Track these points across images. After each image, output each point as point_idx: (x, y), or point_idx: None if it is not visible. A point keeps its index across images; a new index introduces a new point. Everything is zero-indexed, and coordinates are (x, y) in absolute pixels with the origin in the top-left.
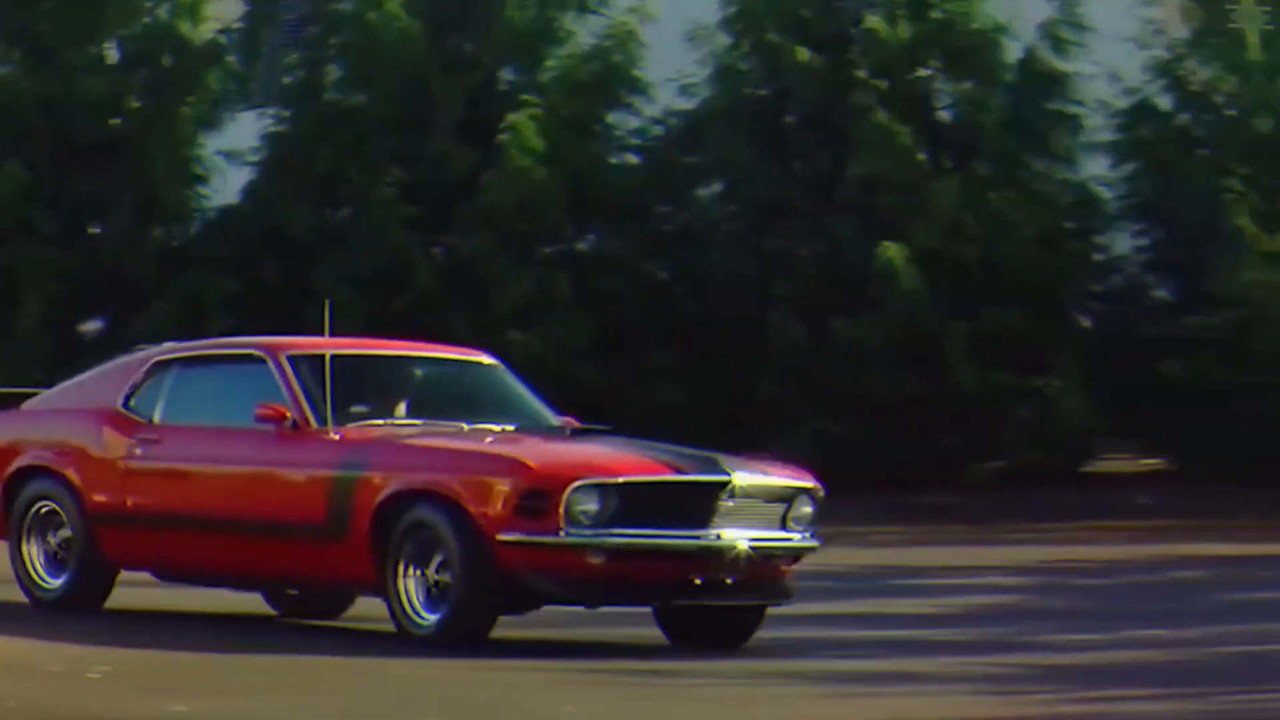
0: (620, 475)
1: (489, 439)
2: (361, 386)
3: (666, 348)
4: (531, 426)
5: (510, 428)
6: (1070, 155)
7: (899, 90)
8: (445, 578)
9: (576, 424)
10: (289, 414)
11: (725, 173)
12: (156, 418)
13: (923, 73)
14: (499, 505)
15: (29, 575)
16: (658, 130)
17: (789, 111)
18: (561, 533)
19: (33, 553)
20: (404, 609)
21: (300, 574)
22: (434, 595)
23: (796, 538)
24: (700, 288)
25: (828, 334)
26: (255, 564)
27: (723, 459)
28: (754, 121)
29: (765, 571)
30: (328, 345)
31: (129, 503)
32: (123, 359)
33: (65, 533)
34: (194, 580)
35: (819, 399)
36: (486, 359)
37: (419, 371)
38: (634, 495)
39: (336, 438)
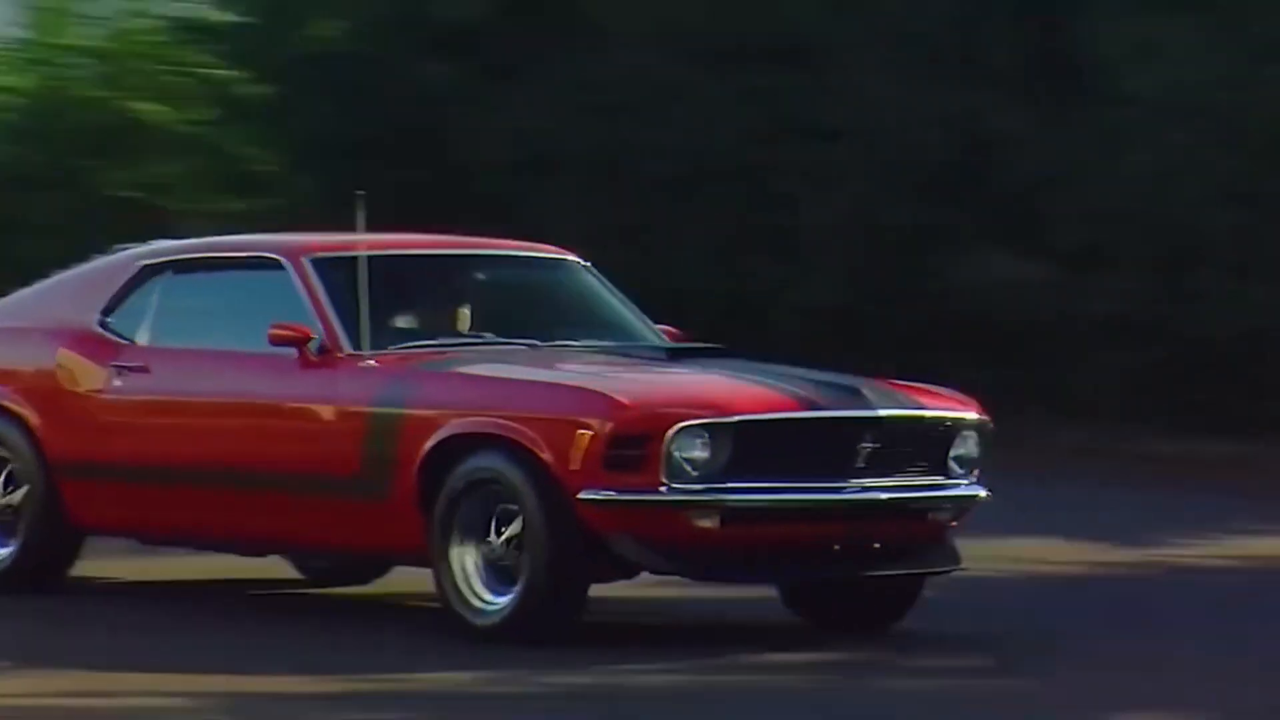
0: (736, 413)
1: (569, 365)
2: (408, 297)
3: None
4: (626, 346)
5: (597, 348)
6: None
7: None
8: (514, 549)
9: (679, 336)
10: (313, 335)
11: None
12: (142, 339)
13: None
14: (582, 454)
15: None
16: None
17: None
18: (662, 489)
19: None
20: (460, 589)
21: (330, 541)
22: (500, 572)
23: (961, 485)
24: None
25: None
26: (271, 528)
27: (866, 387)
28: None
29: (923, 532)
30: (362, 245)
31: (103, 449)
32: (98, 262)
33: (17, 491)
34: (190, 547)
35: None
36: (570, 258)
37: (482, 275)
38: (754, 439)
39: (373, 365)
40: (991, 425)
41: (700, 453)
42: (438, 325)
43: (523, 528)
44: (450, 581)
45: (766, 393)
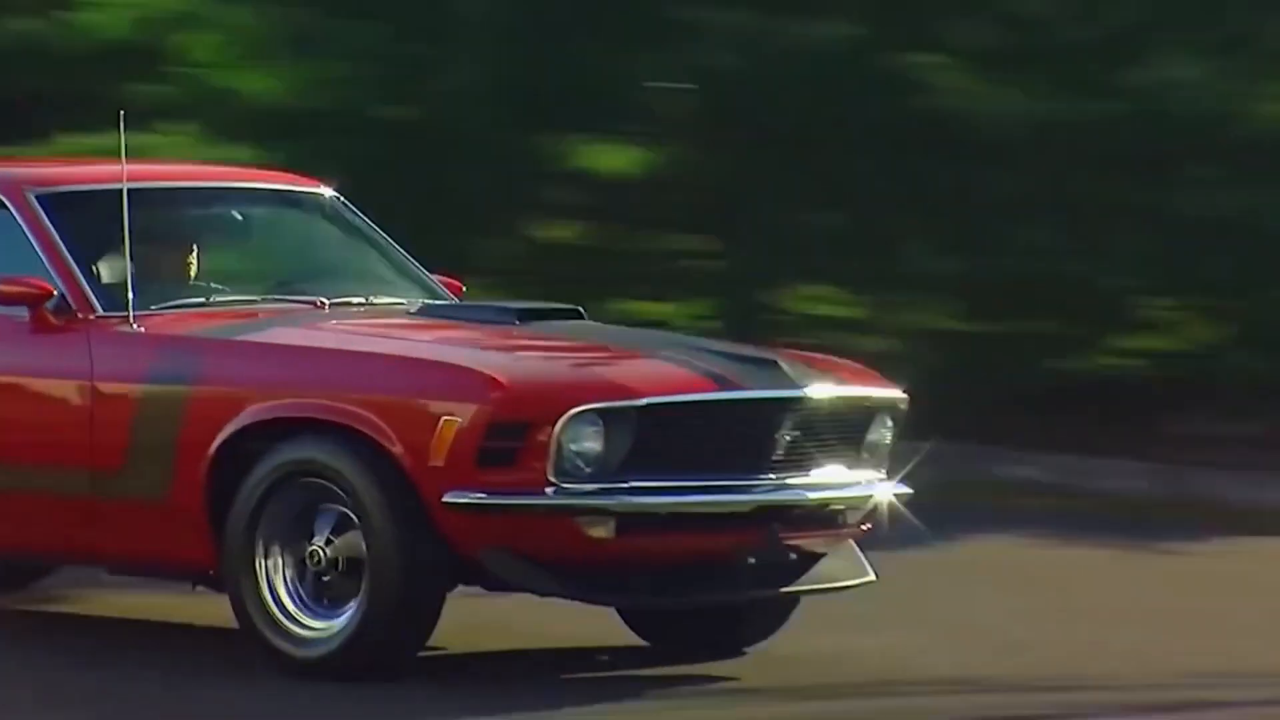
0: (642, 395)
1: (405, 332)
2: (159, 243)
3: None
4: (460, 307)
5: (423, 308)
6: None
7: None
8: (340, 557)
9: (458, 288)
10: (53, 291)
11: None
12: None
13: None
14: (447, 447)
15: None
16: None
17: None
18: (548, 490)
19: None
20: (270, 611)
21: (78, 549)
22: (322, 590)
23: (883, 480)
24: None
25: None
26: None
27: (783, 360)
28: None
29: (836, 538)
30: (112, 176)
31: None
32: None
33: None
34: None
35: None
36: (324, 190)
37: (239, 214)
38: (660, 427)
39: (139, 331)
40: (907, 405)
41: (593, 444)
42: (189, 277)
43: (360, 537)
44: (256, 602)
45: (672, 369)
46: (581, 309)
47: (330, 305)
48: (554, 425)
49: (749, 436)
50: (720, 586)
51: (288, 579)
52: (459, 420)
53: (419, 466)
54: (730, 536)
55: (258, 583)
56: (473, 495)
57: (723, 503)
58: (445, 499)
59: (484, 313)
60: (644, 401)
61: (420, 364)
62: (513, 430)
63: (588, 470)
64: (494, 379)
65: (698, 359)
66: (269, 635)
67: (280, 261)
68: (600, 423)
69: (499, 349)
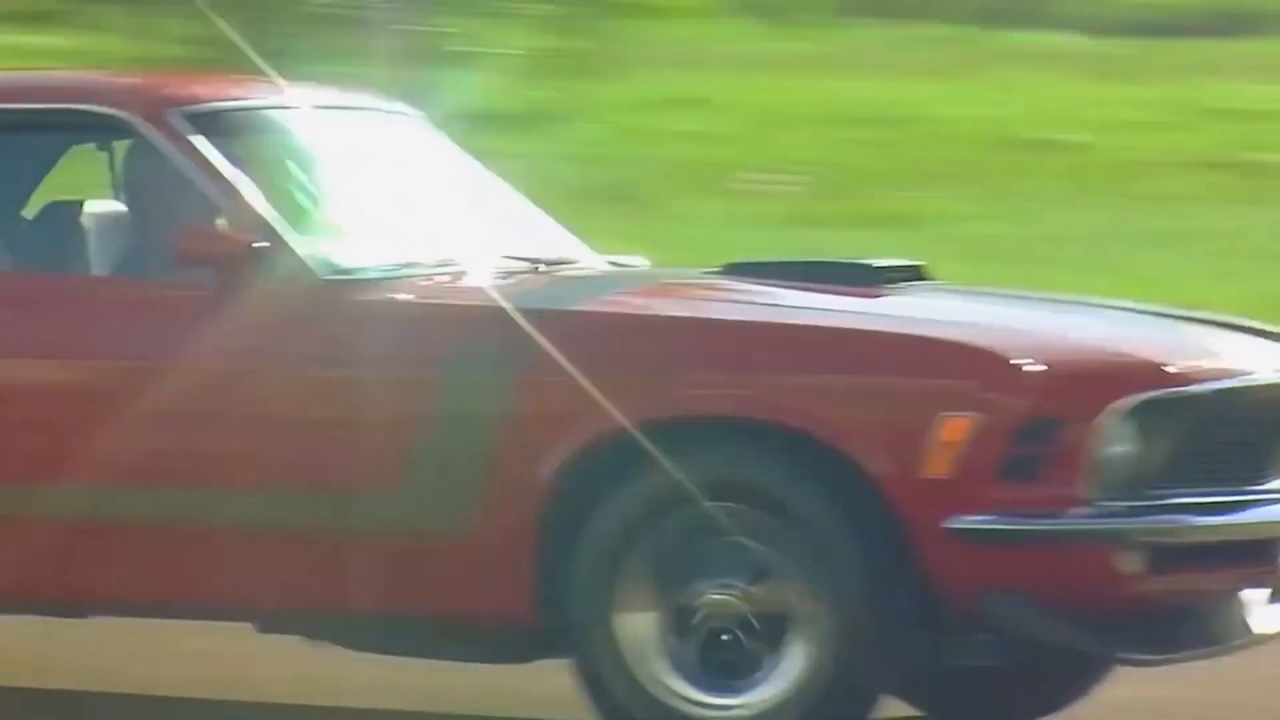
0: (1202, 381)
1: (781, 299)
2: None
3: None
4: (734, 262)
5: (636, 266)
6: None
7: None
8: (762, 612)
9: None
10: (255, 244)
11: None
12: None
13: None
14: (956, 454)
15: None
16: None
17: None
18: (1082, 510)
19: None
20: (640, 681)
21: (316, 602)
22: (724, 653)
23: None
24: None
25: None
26: (223, 585)
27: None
28: None
29: None
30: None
31: None
32: None
33: None
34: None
35: None
36: (405, 108)
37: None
38: (1210, 424)
39: (398, 299)
40: None
41: (1132, 448)
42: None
43: (806, 582)
44: (619, 666)
45: (1189, 344)
46: (923, 265)
47: (545, 268)
48: (1096, 422)
49: (1258, 434)
50: (1223, 633)
51: (658, 638)
52: (973, 418)
53: (906, 482)
54: (1246, 569)
55: (618, 645)
56: (988, 519)
57: (1259, 524)
58: (948, 524)
59: (831, 271)
60: (1210, 387)
61: (901, 341)
62: (1044, 431)
63: (1123, 483)
64: (1019, 363)
65: (1188, 333)
66: (638, 713)
67: (428, 208)
68: (1134, 420)
69: (983, 320)
